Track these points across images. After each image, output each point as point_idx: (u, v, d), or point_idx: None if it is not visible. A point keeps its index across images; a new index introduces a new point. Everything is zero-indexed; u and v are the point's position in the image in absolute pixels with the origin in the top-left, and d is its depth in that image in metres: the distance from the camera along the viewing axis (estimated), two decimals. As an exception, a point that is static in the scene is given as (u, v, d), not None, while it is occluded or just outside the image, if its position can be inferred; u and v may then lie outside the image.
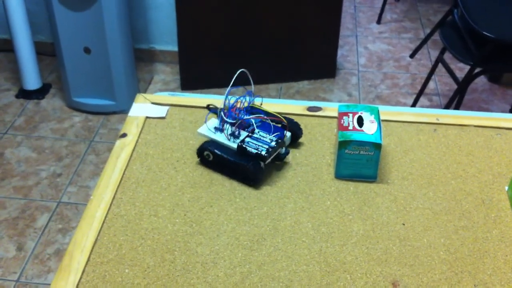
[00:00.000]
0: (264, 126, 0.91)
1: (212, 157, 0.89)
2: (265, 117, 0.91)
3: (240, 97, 0.92)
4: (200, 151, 0.89)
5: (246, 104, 0.92)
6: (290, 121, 0.94)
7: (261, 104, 0.97)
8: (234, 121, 0.89)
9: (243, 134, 0.89)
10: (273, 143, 0.87)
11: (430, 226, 0.81)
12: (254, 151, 0.85)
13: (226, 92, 0.90)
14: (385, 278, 0.74)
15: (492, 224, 0.82)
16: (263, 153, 0.85)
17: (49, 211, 1.97)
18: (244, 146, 0.86)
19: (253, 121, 0.90)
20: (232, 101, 0.91)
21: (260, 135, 0.88)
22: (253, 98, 0.94)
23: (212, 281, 0.73)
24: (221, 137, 0.89)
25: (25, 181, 2.09)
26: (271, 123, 0.91)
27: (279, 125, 0.92)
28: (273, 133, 0.89)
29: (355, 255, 0.77)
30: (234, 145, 0.87)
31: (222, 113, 0.89)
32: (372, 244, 0.79)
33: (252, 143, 0.87)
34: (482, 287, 0.73)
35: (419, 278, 0.74)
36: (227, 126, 0.89)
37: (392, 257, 0.77)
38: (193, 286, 0.73)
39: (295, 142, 0.95)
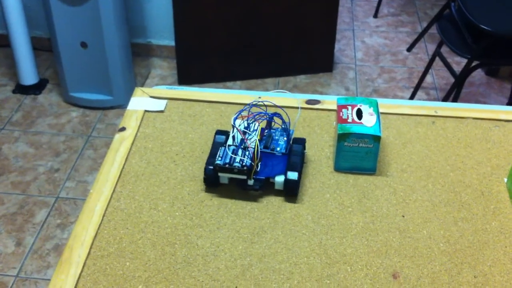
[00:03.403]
0: (269, 154, 0.86)
1: (214, 139, 0.88)
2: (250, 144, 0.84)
3: (267, 114, 0.87)
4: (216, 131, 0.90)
5: (262, 124, 0.88)
6: (293, 178, 0.83)
7: (290, 128, 0.90)
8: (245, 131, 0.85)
9: (251, 142, 0.84)
10: (237, 164, 0.81)
11: (429, 218, 0.82)
12: (218, 156, 0.83)
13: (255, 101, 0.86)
14: (385, 270, 0.75)
15: (491, 216, 0.82)
16: (217, 162, 0.82)
17: (47, 207, 1.97)
18: (224, 146, 0.84)
19: (235, 135, 0.84)
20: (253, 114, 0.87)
21: (245, 152, 0.83)
22: (288, 124, 0.89)
23: (213, 273, 0.74)
24: (235, 133, 0.85)
25: (23, 176, 2.09)
26: (268, 151, 0.86)
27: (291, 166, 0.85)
28: (253, 160, 0.82)
29: (355, 247, 0.77)
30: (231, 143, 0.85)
31: (246, 120, 0.86)
32: (372, 236, 0.79)
33: (233, 151, 0.83)
34: (481, 278, 0.74)
35: (419, 269, 0.75)
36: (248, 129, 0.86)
37: (392, 249, 0.77)
38: (194, 279, 0.73)
39: (288, 195, 0.85)
